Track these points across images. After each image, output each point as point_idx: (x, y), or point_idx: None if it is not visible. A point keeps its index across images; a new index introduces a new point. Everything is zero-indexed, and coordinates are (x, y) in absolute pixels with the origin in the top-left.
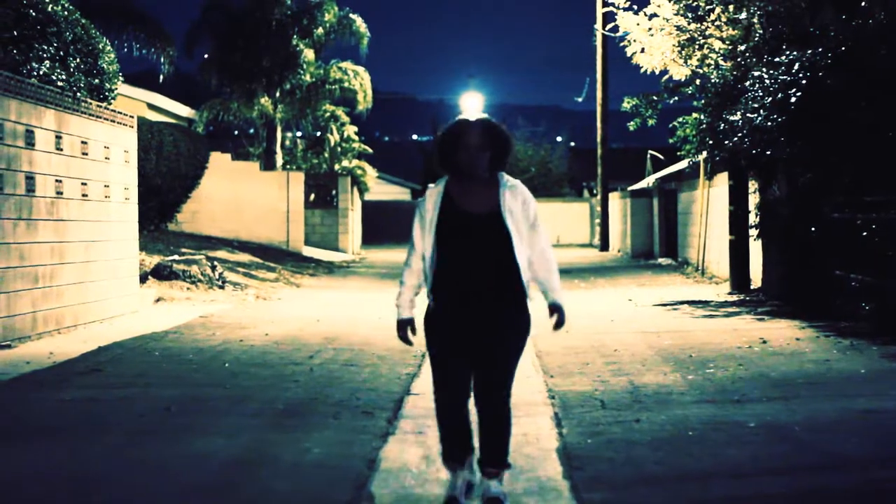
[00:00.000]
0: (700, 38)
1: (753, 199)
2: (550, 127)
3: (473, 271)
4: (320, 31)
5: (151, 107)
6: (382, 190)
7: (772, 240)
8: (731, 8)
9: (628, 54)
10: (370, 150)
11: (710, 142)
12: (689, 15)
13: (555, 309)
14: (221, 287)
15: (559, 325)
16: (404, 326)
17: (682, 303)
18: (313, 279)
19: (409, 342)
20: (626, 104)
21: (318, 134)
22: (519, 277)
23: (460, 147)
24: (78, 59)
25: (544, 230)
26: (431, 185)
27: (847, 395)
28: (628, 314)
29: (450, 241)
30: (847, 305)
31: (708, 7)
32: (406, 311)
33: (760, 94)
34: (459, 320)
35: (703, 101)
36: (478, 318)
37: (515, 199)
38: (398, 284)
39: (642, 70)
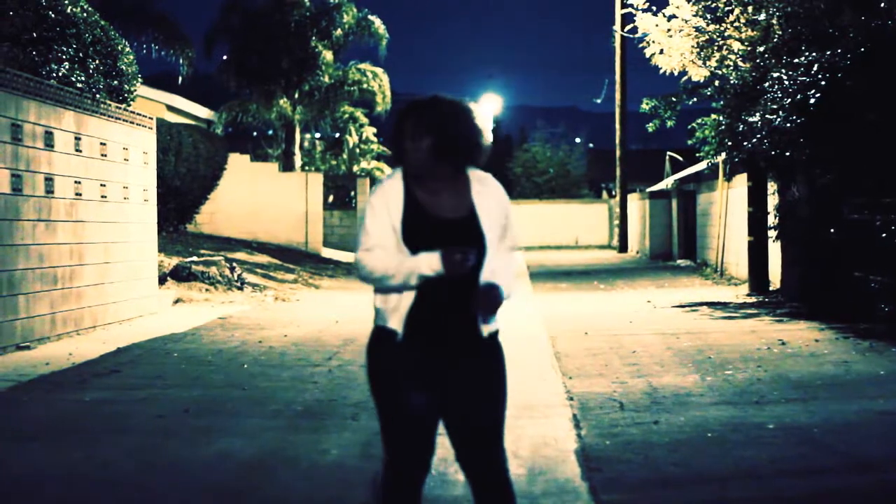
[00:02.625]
0: (719, 39)
1: (772, 201)
2: (569, 128)
3: (446, 293)
4: (339, 32)
5: (170, 108)
6: None
7: (791, 241)
8: (749, 9)
9: (647, 55)
10: (389, 152)
11: (729, 143)
12: (708, 16)
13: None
14: (240, 288)
15: (483, 303)
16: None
17: (700, 304)
18: (332, 280)
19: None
20: (645, 105)
21: (337, 135)
22: None
23: (404, 137)
24: (97, 61)
25: (518, 232)
26: (386, 176)
27: (866, 396)
28: (647, 315)
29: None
30: (866, 307)
31: (727, 8)
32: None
33: (779, 95)
34: (431, 358)
35: (721, 103)
36: (454, 354)
37: (489, 195)
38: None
39: (661, 71)
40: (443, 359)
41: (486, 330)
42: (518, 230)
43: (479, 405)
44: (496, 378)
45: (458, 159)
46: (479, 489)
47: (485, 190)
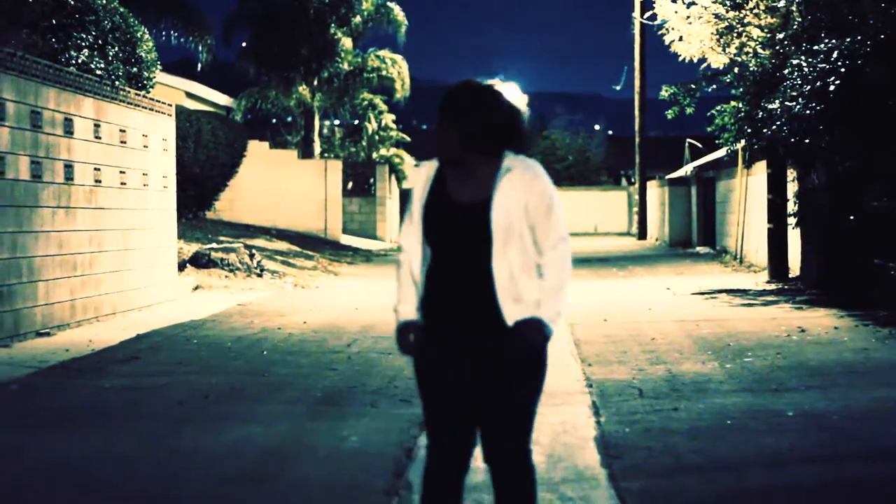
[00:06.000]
0: (738, 25)
1: (792, 188)
2: (588, 115)
3: (456, 285)
4: (358, 19)
5: (189, 95)
6: None
7: (810, 228)
8: None
9: (666, 42)
10: (408, 139)
11: (749, 130)
12: (728, 3)
13: (521, 328)
14: (259, 275)
15: (518, 349)
16: (405, 332)
17: (720, 291)
18: (351, 267)
19: (410, 352)
20: (664, 92)
21: (356, 122)
22: (494, 297)
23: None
24: (116, 48)
25: (562, 223)
26: (423, 163)
27: (885, 383)
28: (666, 303)
29: (433, 241)
30: (886, 294)
31: None
32: (406, 310)
33: (799, 82)
34: (451, 353)
35: (741, 90)
36: (469, 350)
37: (517, 182)
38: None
39: (680, 58)
40: (469, 347)
41: (511, 320)
42: (559, 221)
43: (506, 394)
44: (525, 367)
45: (486, 146)
46: (498, 490)
47: (513, 177)
